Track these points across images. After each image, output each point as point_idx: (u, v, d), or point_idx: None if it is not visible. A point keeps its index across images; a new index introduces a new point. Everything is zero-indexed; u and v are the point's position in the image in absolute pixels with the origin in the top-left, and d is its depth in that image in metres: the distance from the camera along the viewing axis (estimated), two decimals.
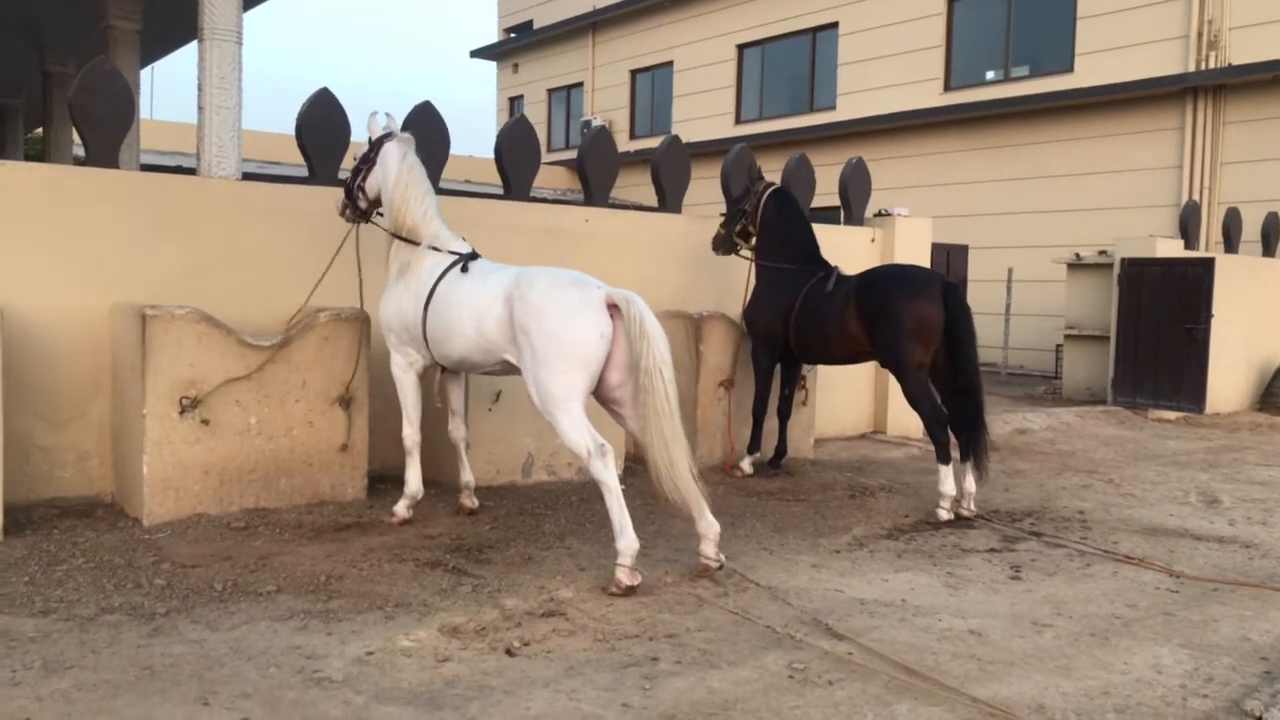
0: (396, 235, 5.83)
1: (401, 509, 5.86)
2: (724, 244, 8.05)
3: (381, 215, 6.03)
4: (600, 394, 5.07)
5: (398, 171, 5.82)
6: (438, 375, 6.02)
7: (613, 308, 4.93)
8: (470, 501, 6.12)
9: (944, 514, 6.53)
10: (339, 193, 6.17)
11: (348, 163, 7.15)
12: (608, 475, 4.76)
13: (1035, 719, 3.51)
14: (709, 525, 5.01)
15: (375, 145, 5.98)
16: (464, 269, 5.56)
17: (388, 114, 6.07)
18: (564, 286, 5.02)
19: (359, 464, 6.28)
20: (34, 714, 3.28)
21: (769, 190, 7.88)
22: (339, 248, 6.27)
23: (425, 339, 5.61)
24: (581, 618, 4.37)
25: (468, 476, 6.15)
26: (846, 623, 4.43)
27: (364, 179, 6.03)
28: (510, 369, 5.37)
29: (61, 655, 3.77)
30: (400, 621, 4.22)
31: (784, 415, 7.97)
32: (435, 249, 5.69)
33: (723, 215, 8.29)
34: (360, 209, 6.12)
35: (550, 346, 4.88)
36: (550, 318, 4.92)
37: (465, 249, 5.70)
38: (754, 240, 7.90)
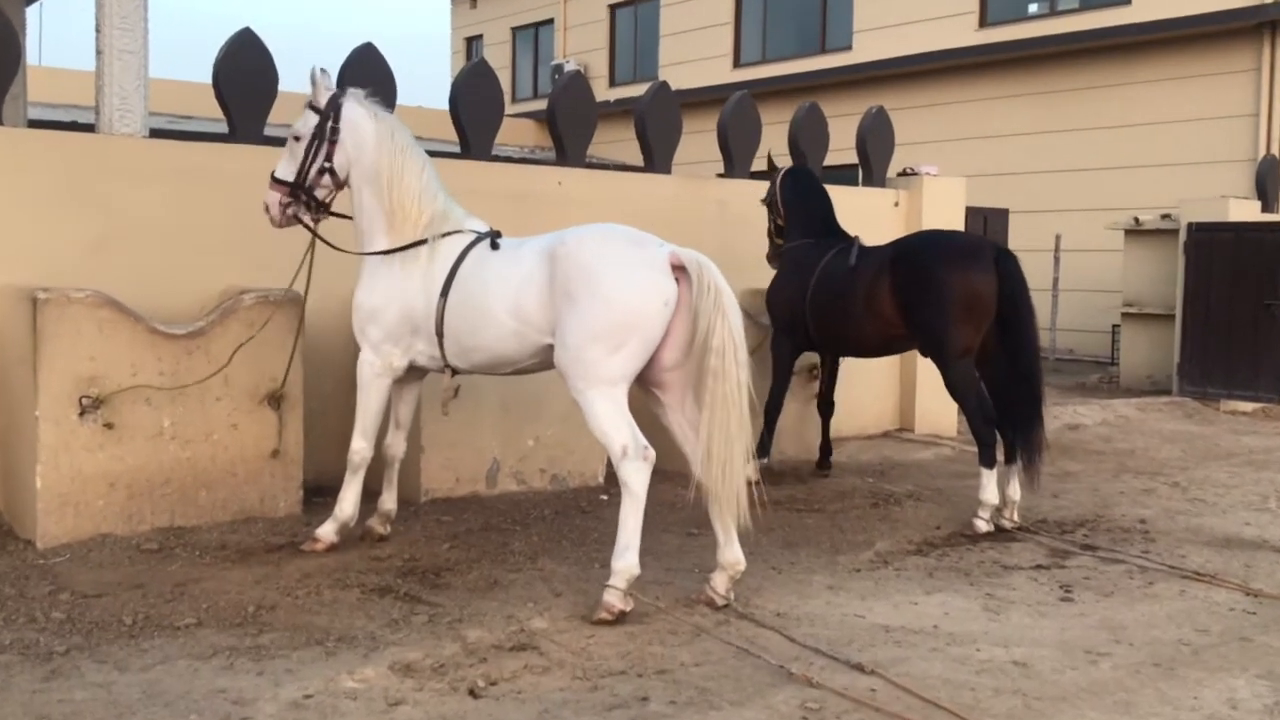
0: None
1: (328, 533, 5.64)
2: (776, 252, 8.24)
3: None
4: (643, 375, 4.96)
5: (376, 144, 5.46)
6: (448, 378, 5.67)
7: (678, 271, 4.88)
8: (383, 529, 5.90)
9: (982, 525, 6.56)
10: (270, 193, 5.57)
11: (276, 116, 7.10)
12: (639, 482, 4.74)
13: None
14: (734, 559, 4.98)
15: (328, 113, 5.51)
16: (494, 245, 5.38)
17: (323, 69, 5.63)
18: (621, 244, 4.96)
19: (293, 473, 6.27)
20: None
21: (781, 175, 8.20)
22: (306, 252, 5.78)
23: (440, 334, 5.39)
24: (558, 652, 4.38)
25: (391, 504, 5.91)
26: (869, 654, 4.45)
27: (329, 159, 5.50)
28: (550, 362, 5.18)
29: None
30: (344, 658, 4.22)
31: (826, 413, 8.17)
32: (455, 232, 5.47)
33: (732, 175, 8.46)
34: (321, 201, 5.62)
35: (602, 315, 4.77)
36: (605, 280, 4.81)
37: (483, 227, 5.53)
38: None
